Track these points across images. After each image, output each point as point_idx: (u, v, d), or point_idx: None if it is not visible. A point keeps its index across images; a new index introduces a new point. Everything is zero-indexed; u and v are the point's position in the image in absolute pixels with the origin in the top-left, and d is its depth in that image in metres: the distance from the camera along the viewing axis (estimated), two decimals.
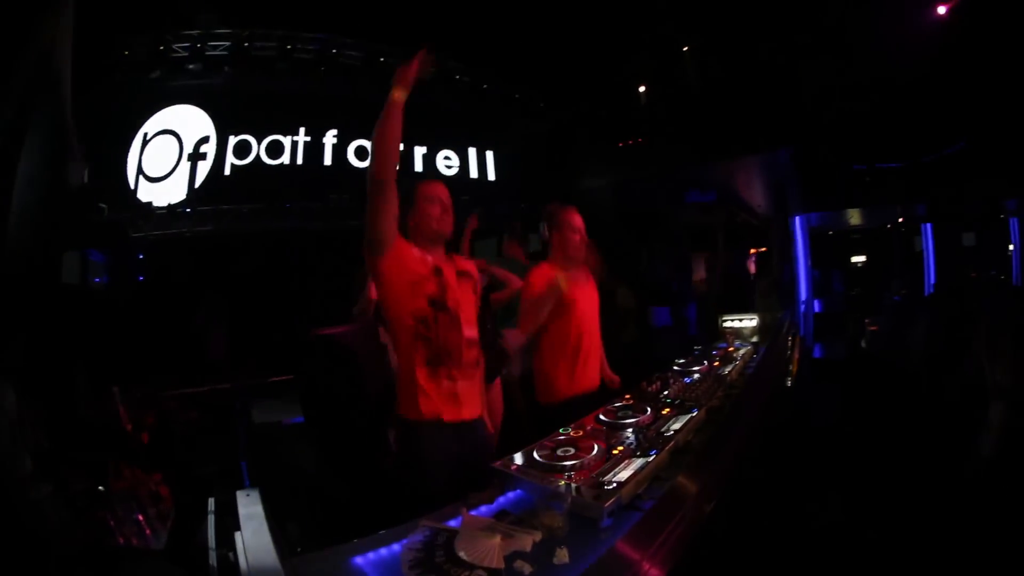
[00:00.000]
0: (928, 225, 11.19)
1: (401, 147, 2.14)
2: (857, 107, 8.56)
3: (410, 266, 2.09)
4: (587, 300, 2.90)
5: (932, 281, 10.81)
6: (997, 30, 7.30)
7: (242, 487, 1.42)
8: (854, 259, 12.81)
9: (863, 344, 8.46)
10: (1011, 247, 10.61)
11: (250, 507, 1.34)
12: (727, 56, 8.54)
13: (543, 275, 2.81)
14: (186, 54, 7.98)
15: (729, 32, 8.24)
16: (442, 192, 2.25)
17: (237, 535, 1.22)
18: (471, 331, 2.19)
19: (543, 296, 2.74)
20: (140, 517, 2.03)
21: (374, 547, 1.36)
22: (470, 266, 2.36)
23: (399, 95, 2.01)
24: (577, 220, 2.88)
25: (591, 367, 2.90)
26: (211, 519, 1.38)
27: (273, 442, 4.31)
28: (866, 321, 8.66)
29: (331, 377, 3.46)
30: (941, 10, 7.69)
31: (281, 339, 6.01)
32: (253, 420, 4.74)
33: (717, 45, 8.59)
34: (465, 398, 2.16)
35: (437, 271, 2.13)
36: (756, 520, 2.97)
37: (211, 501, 1.42)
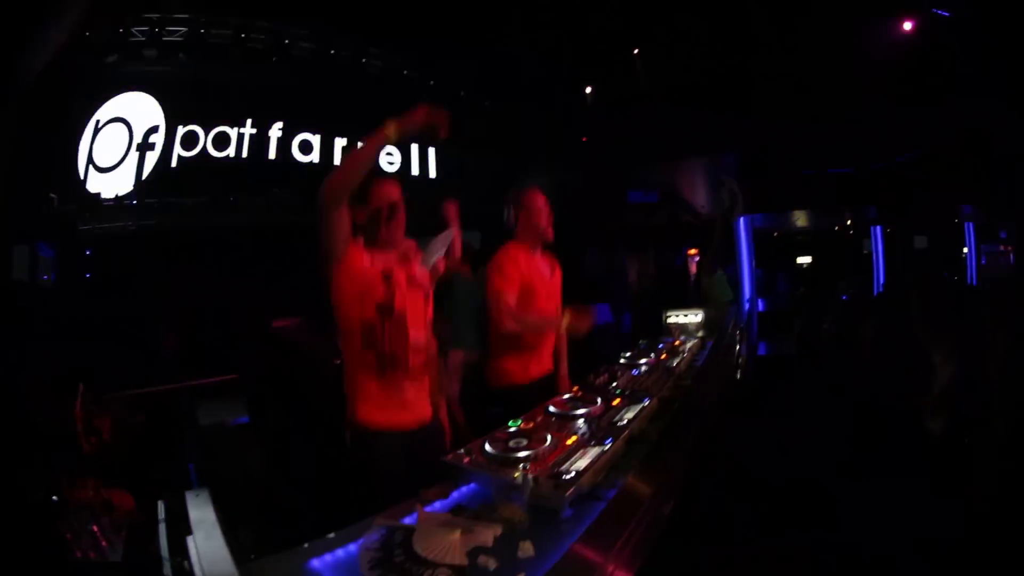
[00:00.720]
0: (878, 228, 11.49)
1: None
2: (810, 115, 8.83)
3: (360, 275, 2.11)
4: (549, 286, 2.91)
5: (882, 281, 11.15)
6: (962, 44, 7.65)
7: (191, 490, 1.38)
8: (800, 260, 13.16)
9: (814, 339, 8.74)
10: (964, 250, 11.12)
11: (201, 509, 1.31)
12: (678, 58, 8.68)
13: (512, 254, 2.80)
14: (143, 39, 7.73)
15: (681, 34, 8.38)
16: (393, 191, 2.26)
17: (189, 540, 1.18)
18: (418, 335, 2.21)
19: (515, 276, 2.72)
20: (95, 528, 1.94)
21: (330, 549, 1.33)
22: (423, 274, 2.35)
23: (392, 134, 2.03)
24: (542, 200, 2.92)
25: (546, 353, 2.91)
26: (162, 526, 1.33)
27: (220, 444, 4.19)
28: (814, 319, 8.95)
29: (276, 371, 3.39)
30: (907, 25, 7.98)
31: (225, 337, 5.85)
32: (199, 422, 4.59)
33: (668, 47, 8.72)
34: (414, 403, 2.20)
35: (386, 276, 2.15)
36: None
37: (161, 507, 1.37)
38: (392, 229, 2.22)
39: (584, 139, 10.31)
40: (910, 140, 9.23)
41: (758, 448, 4.70)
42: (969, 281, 10.59)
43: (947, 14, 7.81)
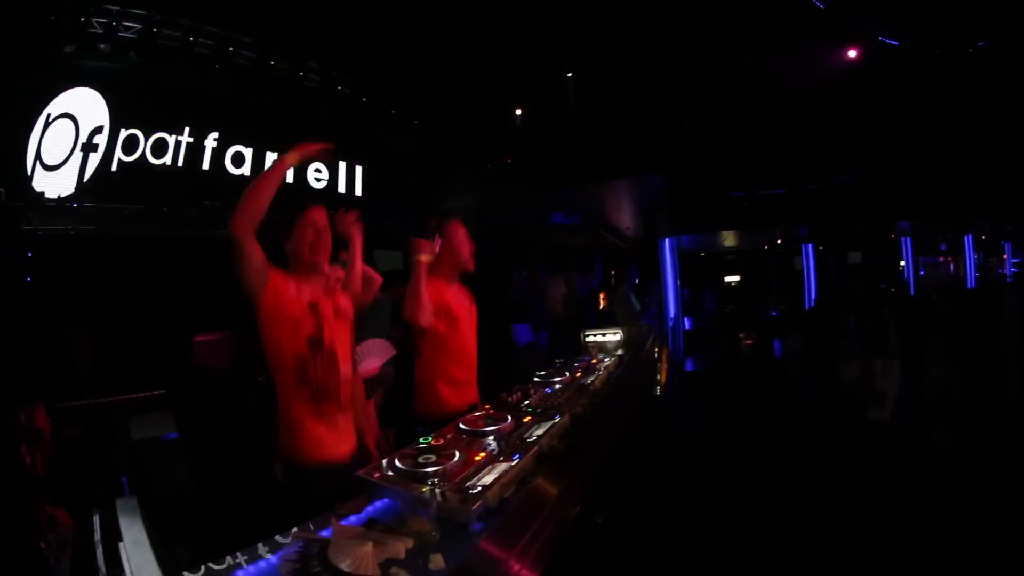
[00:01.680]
0: (809, 246, 11.94)
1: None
2: (742, 138, 9.16)
3: (287, 305, 2.10)
4: (468, 316, 2.91)
5: (813, 297, 11.57)
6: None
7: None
8: (728, 279, 13.36)
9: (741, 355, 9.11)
10: (902, 263, 11.75)
11: (131, 520, 1.39)
12: (608, 82, 8.86)
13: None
14: (101, 31, 7.42)
15: (611, 59, 8.58)
16: (317, 216, 2.26)
17: (121, 553, 1.27)
18: (348, 368, 2.24)
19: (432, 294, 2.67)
20: (43, 545, 1.94)
21: (253, 560, 1.41)
22: (347, 305, 2.35)
23: (290, 162, 2.11)
24: (463, 232, 2.91)
25: (471, 383, 2.90)
26: (98, 540, 1.41)
27: (151, 458, 4.16)
28: (741, 335, 9.35)
29: (202, 385, 3.38)
30: (852, 53, 8.36)
31: (156, 350, 5.75)
32: (131, 436, 4.54)
33: (599, 71, 8.90)
34: (346, 435, 2.21)
35: (313, 308, 2.14)
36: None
37: (96, 521, 1.44)
38: (317, 254, 2.21)
39: (509, 159, 10.39)
40: (845, 161, 9.71)
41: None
42: (912, 293, 11.05)
43: (896, 43, 8.22)
